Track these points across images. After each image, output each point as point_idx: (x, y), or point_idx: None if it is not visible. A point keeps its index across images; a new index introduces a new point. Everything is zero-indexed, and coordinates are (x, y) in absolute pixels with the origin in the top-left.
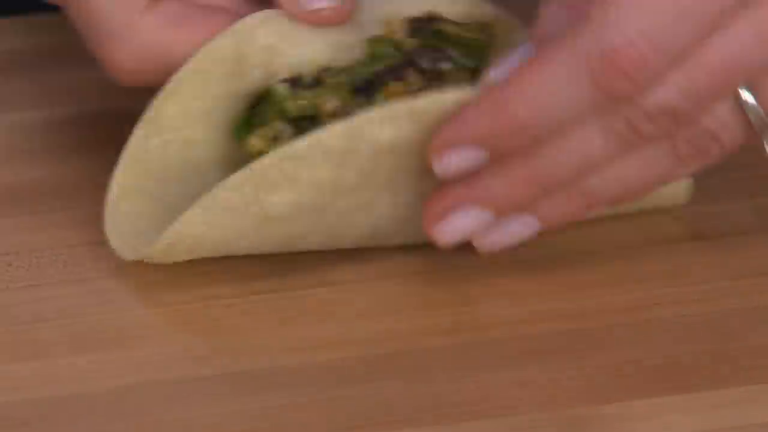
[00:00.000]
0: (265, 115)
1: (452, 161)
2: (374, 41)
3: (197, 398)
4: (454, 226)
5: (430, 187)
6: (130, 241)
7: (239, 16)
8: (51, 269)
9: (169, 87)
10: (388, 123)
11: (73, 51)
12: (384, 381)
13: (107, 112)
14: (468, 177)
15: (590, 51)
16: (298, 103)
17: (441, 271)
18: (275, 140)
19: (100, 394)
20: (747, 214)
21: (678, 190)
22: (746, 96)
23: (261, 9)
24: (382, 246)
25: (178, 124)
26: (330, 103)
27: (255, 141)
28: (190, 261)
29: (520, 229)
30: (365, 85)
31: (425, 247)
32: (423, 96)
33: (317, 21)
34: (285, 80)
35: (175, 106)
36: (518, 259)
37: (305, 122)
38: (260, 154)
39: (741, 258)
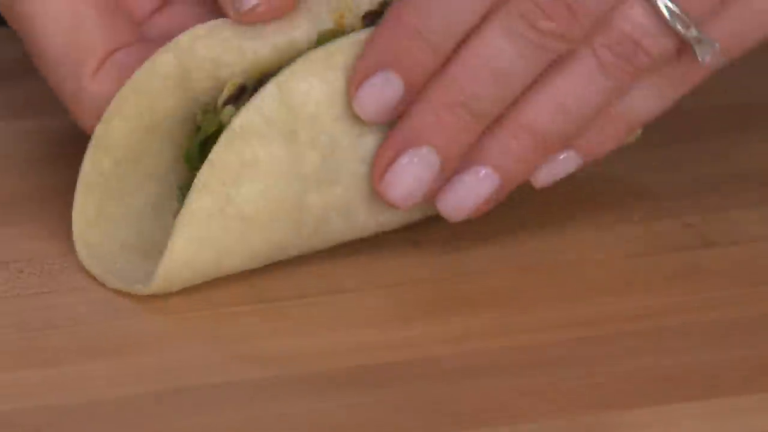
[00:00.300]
0: (209, 127)
1: (367, 95)
2: (325, 35)
3: (207, 406)
4: (399, 176)
5: None
6: (111, 268)
7: None
8: (62, 276)
9: (113, 107)
10: (311, 76)
11: None
12: (391, 389)
13: None
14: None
15: None
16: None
17: (449, 279)
18: None
19: (110, 401)
20: (757, 222)
21: None
22: None
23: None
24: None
25: (127, 141)
26: None
27: None
28: None
29: (476, 182)
30: None
31: (433, 254)
32: (336, 41)
33: (255, 20)
34: (228, 99)
35: (121, 124)
36: (526, 266)
37: None
38: None
39: (752, 265)
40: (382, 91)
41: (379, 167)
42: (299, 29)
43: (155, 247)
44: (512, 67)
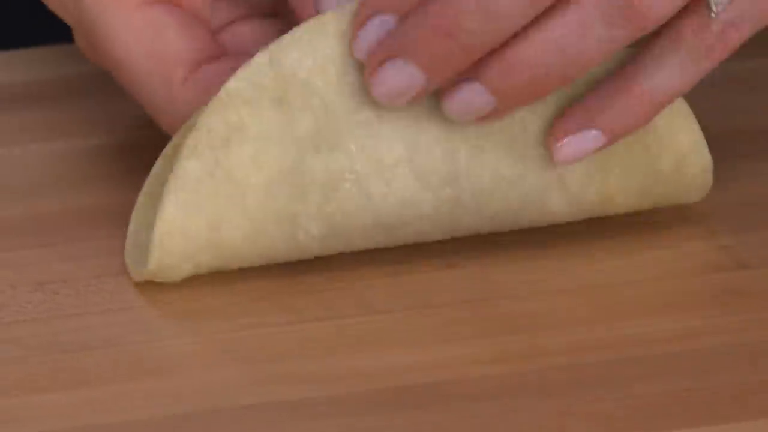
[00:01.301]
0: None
1: (364, 35)
2: None
3: (239, 427)
4: (385, 78)
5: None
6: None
7: None
8: (97, 298)
9: (189, 124)
10: (303, 44)
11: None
12: (425, 410)
13: (152, 140)
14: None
15: None
16: None
17: (483, 301)
18: None
19: (143, 422)
20: None
21: (693, 186)
22: None
23: None
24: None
25: None
26: None
27: None
28: (233, 289)
29: (471, 97)
30: None
31: (467, 276)
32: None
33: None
34: None
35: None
36: (560, 288)
37: None
38: None
39: None
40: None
41: (369, 65)
42: None
43: None
44: (505, 9)
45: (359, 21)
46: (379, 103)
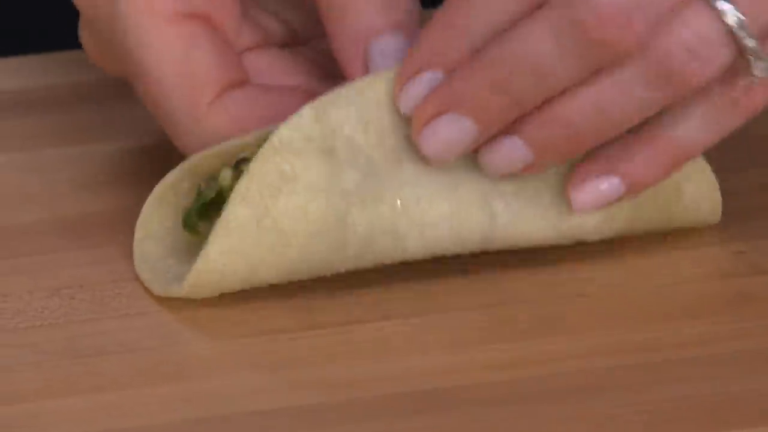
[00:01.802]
0: (208, 194)
1: (413, 91)
2: None
3: None
4: (437, 133)
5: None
6: (158, 273)
7: (306, 96)
8: (114, 302)
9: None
10: (346, 105)
11: None
12: (441, 415)
13: (168, 145)
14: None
15: None
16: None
17: (498, 306)
18: None
19: (160, 426)
20: None
21: (706, 210)
22: (720, 3)
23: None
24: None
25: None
26: None
27: None
28: (250, 295)
29: (510, 151)
30: None
31: (484, 280)
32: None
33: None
34: (235, 164)
35: (209, 165)
36: (574, 293)
37: None
38: None
39: None
40: (427, 89)
41: (419, 120)
42: None
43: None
44: (556, 67)
45: (405, 76)
46: (426, 159)
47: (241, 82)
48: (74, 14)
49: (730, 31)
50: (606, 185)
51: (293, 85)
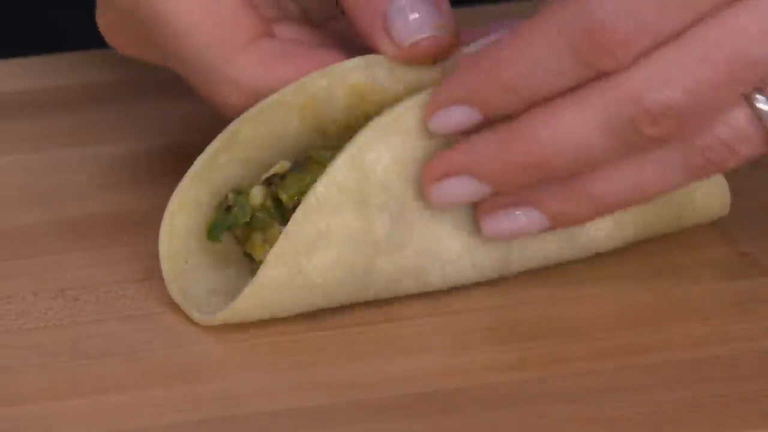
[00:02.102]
0: (240, 217)
1: (444, 120)
2: None
3: None
4: (447, 191)
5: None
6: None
7: (338, 57)
8: (118, 304)
9: (249, 114)
10: (378, 143)
11: (162, 83)
12: (448, 416)
13: (176, 147)
14: (468, 144)
15: (573, 25)
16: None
17: (505, 307)
18: None
19: (164, 428)
20: None
21: (716, 205)
22: (762, 104)
23: (360, 52)
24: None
25: (248, 146)
26: None
27: (262, 253)
28: None
29: (525, 221)
30: None
31: (490, 282)
32: (401, 104)
33: (415, 56)
34: (266, 179)
35: (249, 131)
36: (583, 294)
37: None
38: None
39: None
40: (459, 122)
41: (431, 174)
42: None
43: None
44: (598, 154)
45: (440, 104)
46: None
47: (270, 34)
48: (79, 14)
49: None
50: (525, 215)
51: (320, 45)
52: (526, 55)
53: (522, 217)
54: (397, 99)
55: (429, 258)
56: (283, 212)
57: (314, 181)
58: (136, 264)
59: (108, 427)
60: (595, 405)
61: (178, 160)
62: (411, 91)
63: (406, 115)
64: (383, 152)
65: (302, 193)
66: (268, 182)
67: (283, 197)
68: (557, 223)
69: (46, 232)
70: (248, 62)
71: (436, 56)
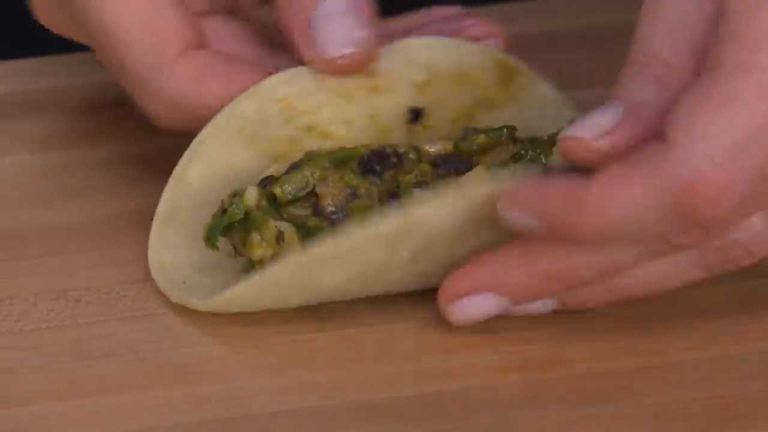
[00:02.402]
0: (235, 215)
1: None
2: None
3: None
4: (468, 309)
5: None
6: (176, 283)
7: (267, 71)
8: (120, 305)
9: (191, 150)
10: (441, 209)
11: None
12: (448, 417)
13: (176, 148)
14: (491, 259)
15: (675, 178)
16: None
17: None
18: (279, 240)
19: (166, 428)
20: None
21: None
22: None
23: (287, 63)
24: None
25: (204, 183)
26: (321, 187)
27: (258, 251)
28: None
29: (541, 307)
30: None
31: None
32: (475, 181)
33: (335, 71)
34: (261, 181)
35: (199, 169)
36: None
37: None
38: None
39: None
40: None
41: (452, 290)
42: (382, 97)
43: (219, 265)
44: (624, 258)
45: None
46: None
47: (203, 45)
48: None
49: None
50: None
51: (252, 56)
52: (621, 208)
53: (536, 305)
54: (329, 100)
55: (440, 271)
56: (277, 207)
57: (310, 175)
58: (137, 265)
59: (109, 427)
60: (599, 407)
61: (177, 160)
62: (338, 95)
63: (476, 193)
64: (440, 212)
65: (298, 188)
66: (263, 184)
67: (277, 191)
68: (567, 306)
69: (46, 233)
70: (179, 74)
71: (355, 72)
